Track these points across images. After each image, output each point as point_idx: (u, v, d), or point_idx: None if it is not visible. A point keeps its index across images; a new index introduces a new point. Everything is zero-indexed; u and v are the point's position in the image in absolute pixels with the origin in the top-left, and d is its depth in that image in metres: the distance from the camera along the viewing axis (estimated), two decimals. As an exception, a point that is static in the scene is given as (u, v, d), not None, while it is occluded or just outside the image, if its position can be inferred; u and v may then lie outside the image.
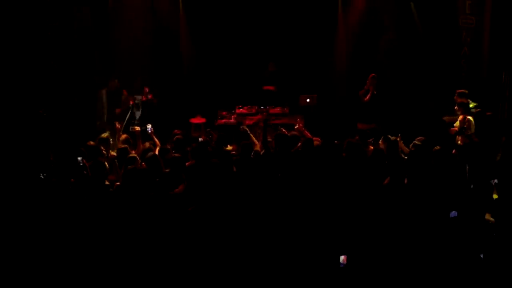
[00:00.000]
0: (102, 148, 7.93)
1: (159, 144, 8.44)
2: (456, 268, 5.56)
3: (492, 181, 6.35)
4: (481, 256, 5.52)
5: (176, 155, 7.46)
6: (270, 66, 12.17)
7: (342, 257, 5.61)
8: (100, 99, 11.21)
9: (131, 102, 11.28)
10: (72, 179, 6.59)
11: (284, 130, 8.74)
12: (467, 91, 9.67)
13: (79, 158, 6.68)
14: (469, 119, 8.97)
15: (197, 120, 11.75)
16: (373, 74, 10.86)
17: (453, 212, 5.92)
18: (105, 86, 11.23)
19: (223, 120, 11.58)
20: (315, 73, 12.45)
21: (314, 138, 8.36)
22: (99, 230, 5.98)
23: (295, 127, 8.92)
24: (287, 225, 5.94)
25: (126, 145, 8.11)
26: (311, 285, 5.55)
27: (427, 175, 6.54)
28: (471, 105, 9.60)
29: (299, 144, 7.97)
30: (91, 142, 8.08)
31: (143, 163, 7.22)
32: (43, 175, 6.54)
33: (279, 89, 12.07)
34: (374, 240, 5.79)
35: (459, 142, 8.85)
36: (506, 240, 5.63)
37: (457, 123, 9.06)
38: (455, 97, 9.54)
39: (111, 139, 8.65)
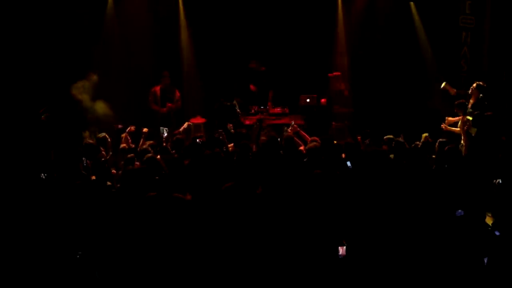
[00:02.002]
0: (102, 148, 7.94)
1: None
2: (456, 266, 5.57)
3: (495, 180, 6.36)
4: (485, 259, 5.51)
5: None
6: (252, 63, 12.12)
7: (341, 249, 5.70)
8: (154, 95, 11.15)
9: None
10: (74, 180, 6.58)
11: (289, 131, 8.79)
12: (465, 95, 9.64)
13: (84, 159, 6.70)
14: (468, 119, 8.98)
15: (197, 120, 11.74)
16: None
17: (459, 211, 5.92)
18: (158, 83, 11.23)
19: (223, 120, 11.56)
20: (315, 73, 12.43)
21: (312, 138, 8.38)
22: (100, 230, 5.99)
23: (289, 129, 8.94)
24: (287, 219, 5.97)
25: (125, 144, 8.13)
26: (311, 275, 5.61)
27: (430, 174, 6.57)
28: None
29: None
30: (90, 141, 8.08)
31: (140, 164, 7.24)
32: (44, 175, 6.53)
33: (261, 89, 12.06)
34: (374, 233, 5.83)
35: (461, 142, 8.86)
36: (506, 240, 5.63)
37: (459, 124, 9.07)
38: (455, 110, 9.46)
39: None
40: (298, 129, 8.99)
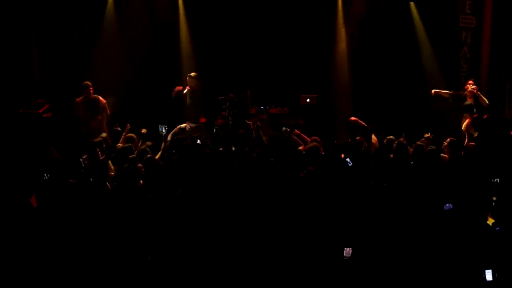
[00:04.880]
0: (97, 149, 7.92)
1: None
2: (454, 264, 5.58)
3: (493, 180, 6.37)
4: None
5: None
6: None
7: (346, 250, 5.73)
8: (77, 109, 10.60)
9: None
10: (72, 180, 6.58)
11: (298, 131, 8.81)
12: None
13: (81, 159, 6.68)
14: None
15: (197, 120, 11.70)
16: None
17: (448, 204, 5.93)
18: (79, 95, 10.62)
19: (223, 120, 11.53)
20: (315, 73, 12.41)
21: (313, 138, 8.38)
22: (99, 230, 5.99)
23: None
24: (292, 220, 5.99)
25: (130, 144, 8.12)
26: (317, 276, 5.64)
27: (430, 173, 6.58)
28: None
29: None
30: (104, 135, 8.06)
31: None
32: (46, 176, 6.52)
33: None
34: (377, 233, 5.85)
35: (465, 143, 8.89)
36: (506, 240, 5.64)
37: (464, 126, 9.14)
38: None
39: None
40: (299, 131, 8.98)
